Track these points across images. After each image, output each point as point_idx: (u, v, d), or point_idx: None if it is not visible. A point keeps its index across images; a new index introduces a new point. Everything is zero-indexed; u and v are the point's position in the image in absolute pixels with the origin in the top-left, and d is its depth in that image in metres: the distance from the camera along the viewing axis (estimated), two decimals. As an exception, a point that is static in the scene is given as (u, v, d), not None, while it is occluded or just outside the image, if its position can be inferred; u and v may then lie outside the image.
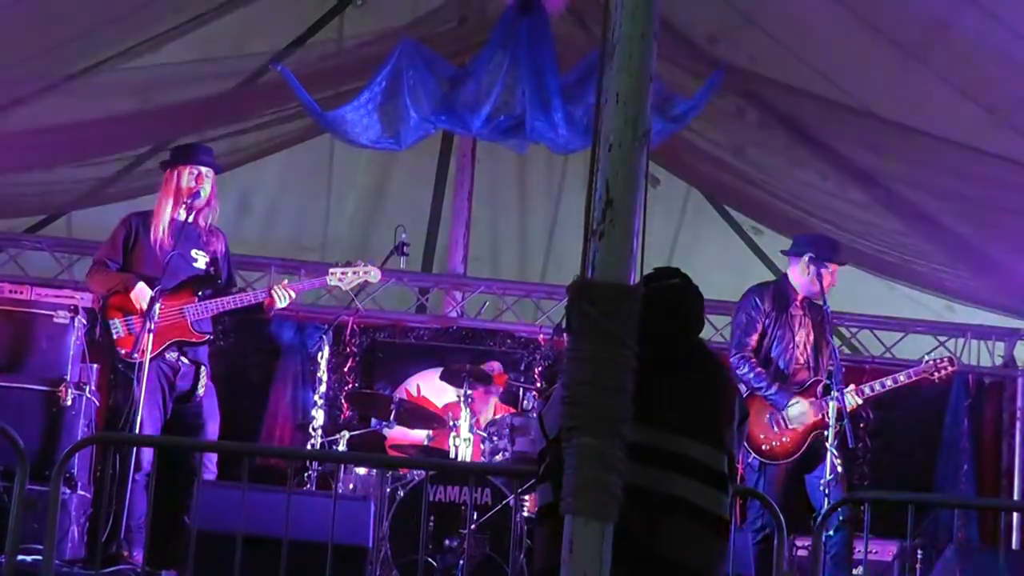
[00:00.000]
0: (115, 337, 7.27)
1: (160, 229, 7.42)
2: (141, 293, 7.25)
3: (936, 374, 8.02)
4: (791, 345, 7.92)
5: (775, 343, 7.93)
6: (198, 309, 7.43)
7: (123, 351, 7.21)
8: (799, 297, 7.98)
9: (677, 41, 8.43)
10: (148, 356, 6.96)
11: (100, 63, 8.26)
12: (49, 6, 7.41)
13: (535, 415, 3.64)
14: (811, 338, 7.95)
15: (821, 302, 7.85)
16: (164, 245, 7.41)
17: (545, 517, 3.71)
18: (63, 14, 7.61)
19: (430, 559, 7.54)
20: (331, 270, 7.91)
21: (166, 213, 7.46)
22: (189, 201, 7.42)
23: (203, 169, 7.54)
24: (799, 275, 7.99)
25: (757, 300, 8.02)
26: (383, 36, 8.59)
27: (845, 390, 7.64)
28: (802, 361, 7.93)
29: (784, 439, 7.78)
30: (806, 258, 7.95)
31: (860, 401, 7.80)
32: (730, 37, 8.39)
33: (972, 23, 7.02)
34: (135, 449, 6.98)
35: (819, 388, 7.77)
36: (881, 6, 7.38)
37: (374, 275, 7.99)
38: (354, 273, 7.90)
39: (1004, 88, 7.39)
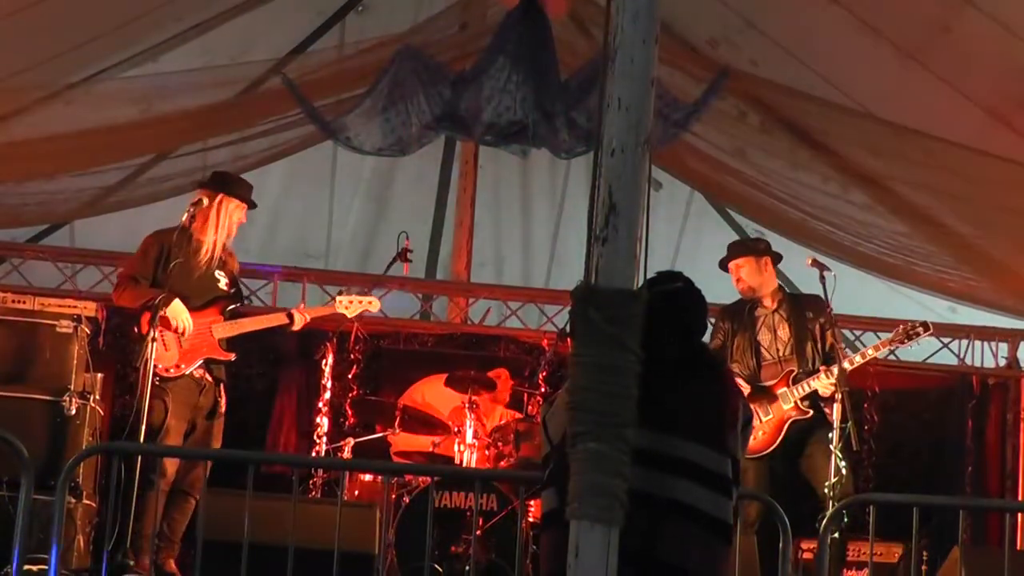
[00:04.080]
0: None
1: (204, 251, 7.62)
2: (178, 311, 7.40)
3: (908, 340, 7.99)
4: (753, 346, 8.09)
5: (736, 351, 8.12)
6: (225, 327, 7.56)
7: (160, 366, 7.30)
8: (766, 299, 8.13)
9: (679, 45, 8.44)
10: (151, 369, 7.01)
11: (101, 72, 8.26)
12: (49, 15, 7.41)
13: (539, 420, 3.62)
14: (781, 335, 8.02)
15: (776, 295, 8.14)
16: (198, 266, 7.53)
17: (550, 523, 3.71)
18: (64, 23, 7.61)
19: (436, 566, 7.54)
20: (339, 298, 8.31)
21: (216, 239, 7.67)
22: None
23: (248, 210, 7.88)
24: None
25: (718, 318, 8.28)
26: (384, 43, 8.58)
27: (814, 375, 7.73)
28: (769, 358, 8.07)
29: (758, 433, 7.88)
30: None
31: (829, 380, 7.77)
32: (731, 41, 8.40)
33: (972, 24, 7.02)
34: (161, 459, 7.12)
35: (791, 377, 7.85)
36: (881, 8, 7.38)
37: (375, 305, 8.45)
38: (359, 303, 8.28)
39: (1004, 89, 7.38)
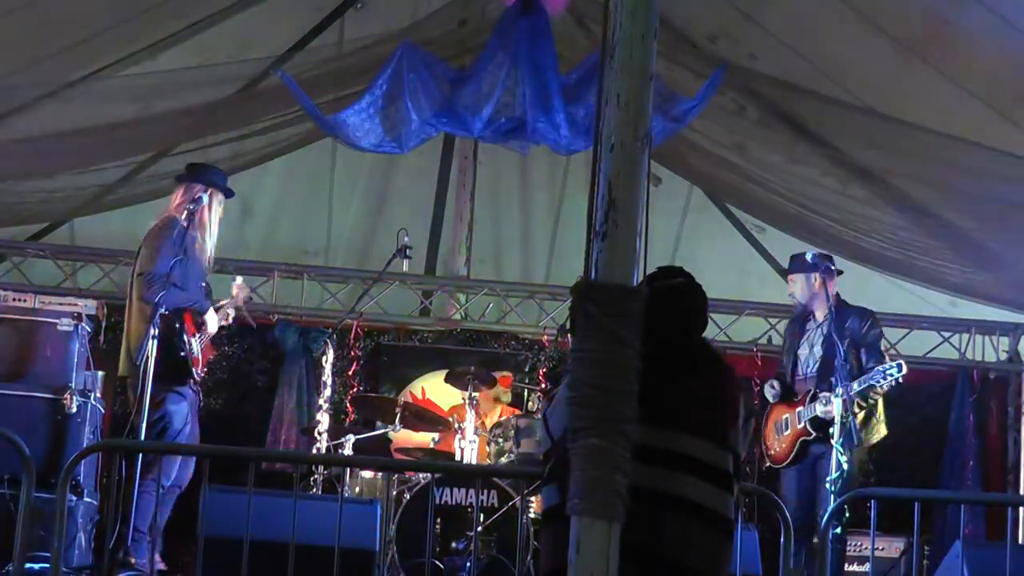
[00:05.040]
0: (194, 356, 7.38)
1: (203, 250, 7.59)
2: (212, 316, 7.53)
3: (883, 381, 7.90)
4: (793, 359, 8.24)
5: (789, 364, 8.27)
6: (214, 323, 7.67)
7: (196, 369, 7.41)
8: (817, 312, 8.16)
9: (677, 40, 8.42)
10: (152, 367, 6.99)
11: (100, 70, 8.25)
12: (48, 13, 7.40)
13: (540, 416, 3.56)
14: (815, 350, 8.05)
15: (826, 309, 8.06)
16: (199, 263, 7.58)
17: (551, 519, 3.69)
18: (62, 21, 7.60)
19: (437, 562, 7.54)
20: (235, 285, 8.12)
21: (214, 238, 7.67)
22: None
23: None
24: None
25: (787, 325, 8.66)
26: (383, 39, 8.58)
27: (826, 397, 7.73)
28: (800, 374, 8.19)
29: (780, 447, 7.96)
30: None
31: (825, 407, 7.78)
32: (730, 35, 8.38)
33: (972, 18, 7.01)
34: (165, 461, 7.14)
35: (808, 396, 7.89)
36: (881, 2, 7.37)
37: (245, 290, 8.22)
38: (243, 288, 8.14)
39: (1004, 83, 7.38)
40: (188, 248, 7.43)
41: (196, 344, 7.37)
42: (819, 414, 7.76)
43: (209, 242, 7.63)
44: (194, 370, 7.38)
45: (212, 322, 7.53)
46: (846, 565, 8.27)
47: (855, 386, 7.74)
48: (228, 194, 7.81)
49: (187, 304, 7.39)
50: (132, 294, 7.48)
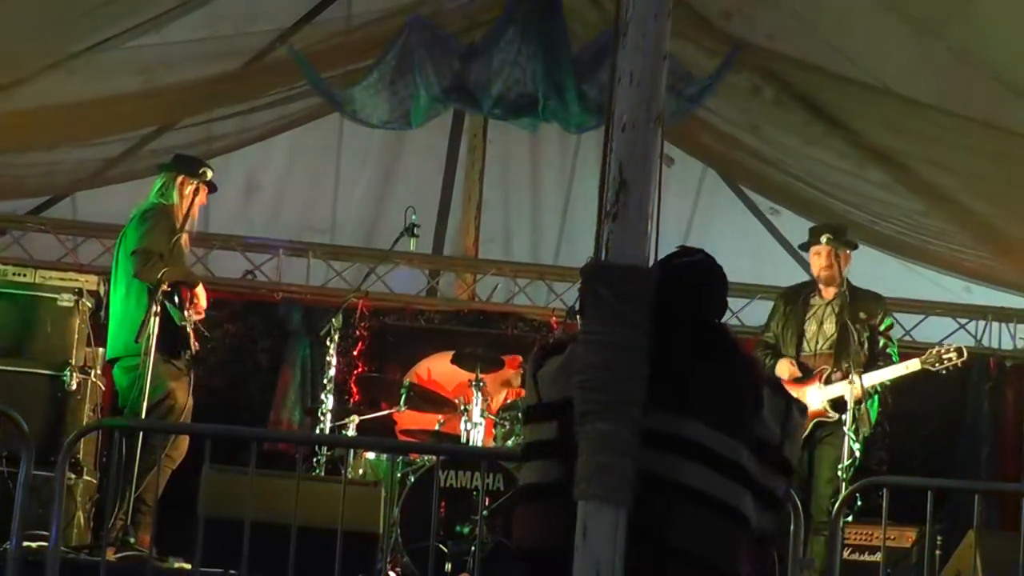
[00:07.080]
0: (200, 334, 7.46)
1: (184, 233, 7.55)
2: (201, 293, 7.51)
3: (939, 365, 7.82)
4: (798, 335, 8.04)
5: (789, 337, 8.07)
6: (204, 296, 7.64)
7: (196, 347, 7.45)
8: (826, 289, 8.01)
9: (691, 18, 8.33)
10: (154, 347, 6.94)
11: (104, 41, 8.17)
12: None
13: (529, 372, 3.38)
14: (826, 329, 7.95)
15: (838, 287, 7.95)
16: (184, 246, 7.59)
17: (546, 494, 3.54)
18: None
19: (441, 545, 7.49)
20: None
21: (193, 224, 7.69)
22: None
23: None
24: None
25: (777, 299, 8.38)
26: (392, 14, 8.53)
27: (854, 379, 7.62)
28: (808, 351, 8.03)
29: None
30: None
31: (859, 391, 7.68)
32: (745, 14, 8.30)
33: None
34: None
35: (824, 376, 7.77)
36: (898, -19, 7.29)
37: None
38: None
39: (1021, 64, 7.29)
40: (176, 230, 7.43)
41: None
42: (844, 395, 7.64)
43: (187, 225, 7.60)
44: (195, 345, 7.37)
45: (202, 295, 7.48)
46: (856, 554, 8.20)
47: (903, 368, 7.66)
48: (212, 188, 7.80)
49: (180, 276, 7.36)
50: (117, 273, 7.46)
